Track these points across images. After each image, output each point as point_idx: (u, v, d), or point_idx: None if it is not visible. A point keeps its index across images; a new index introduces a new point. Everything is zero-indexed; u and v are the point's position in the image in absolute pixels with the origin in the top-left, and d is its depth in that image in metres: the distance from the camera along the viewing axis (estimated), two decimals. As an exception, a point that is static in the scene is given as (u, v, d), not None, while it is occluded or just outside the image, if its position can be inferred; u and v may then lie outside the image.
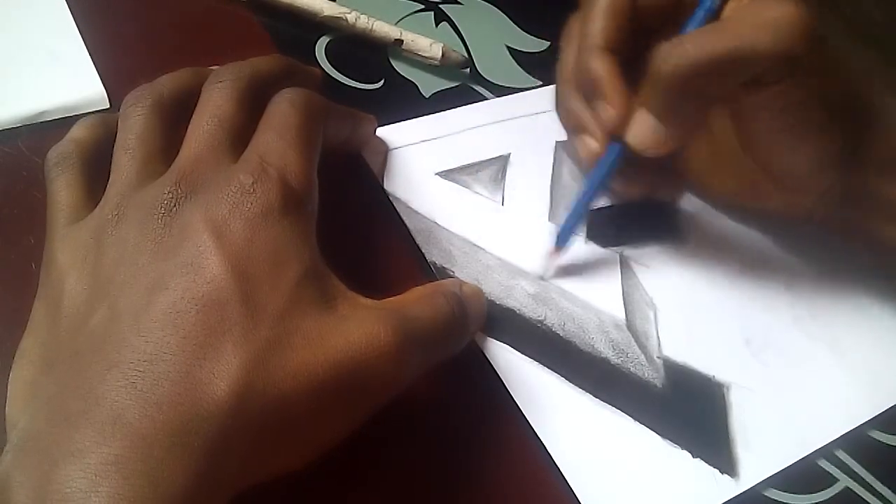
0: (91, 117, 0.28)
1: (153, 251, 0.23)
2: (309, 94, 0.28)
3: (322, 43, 0.39)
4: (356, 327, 0.23)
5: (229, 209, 0.23)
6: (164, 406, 0.20)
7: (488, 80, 0.39)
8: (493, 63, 0.40)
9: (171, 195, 0.24)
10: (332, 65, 0.38)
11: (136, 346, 0.21)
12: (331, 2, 0.39)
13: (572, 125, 0.33)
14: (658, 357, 0.31)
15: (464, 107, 0.38)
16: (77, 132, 0.27)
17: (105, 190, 0.25)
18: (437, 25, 0.42)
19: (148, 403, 0.20)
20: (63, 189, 0.26)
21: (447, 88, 0.39)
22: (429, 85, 0.39)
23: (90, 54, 0.35)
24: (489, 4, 0.43)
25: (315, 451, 0.23)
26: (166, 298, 0.21)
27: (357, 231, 0.32)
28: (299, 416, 0.22)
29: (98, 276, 0.23)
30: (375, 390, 0.24)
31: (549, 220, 0.34)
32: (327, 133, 0.28)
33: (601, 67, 0.30)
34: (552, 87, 0.38)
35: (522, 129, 0.37)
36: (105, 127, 0.27)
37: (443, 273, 0.32)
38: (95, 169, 0.26)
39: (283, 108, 0.27)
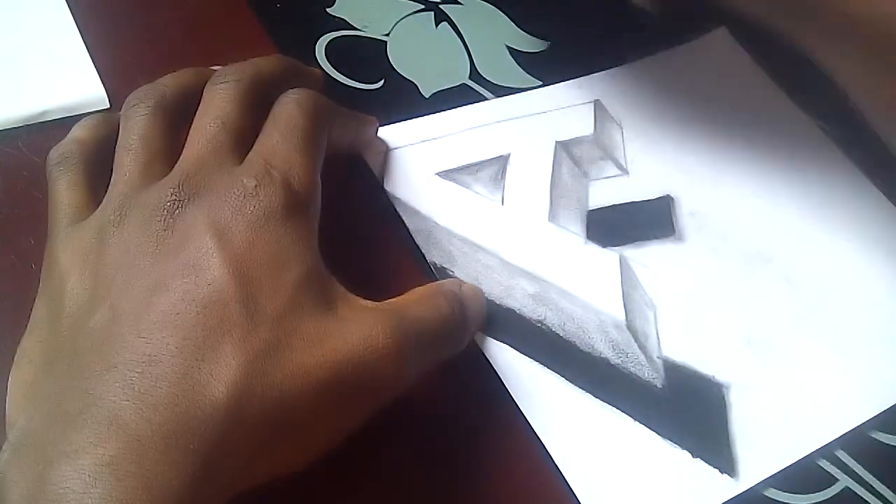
0: (92, 117, 0.28)
1: (155, 253, 0.23)
2: (315, 95, 0.28)
3: (322, 43, 0.39)
4: (355, 329, 0.23)
5: (232, 212, 0.23)
6: (161, 407, 0.20)
7: (488, 80, 0.39)
8: (493, 63, 0.40)
9: (174, 197, 0.24)
10: (331, 65, 0.38)
11: (135, 346, 0.21)
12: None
13: None
14: (658, 357, 0.31)
15: (464, 107, 0.38)
16: (78, 132, 0.27)
17: (107, 190, 0.25)
18: (437, 26, 0.42)
19: (145, 404, 0.20)
20: (65, 189, 0.26)
21: (447, 88, 0.39)
22: (429, 85, 0.39)
23: (90, 54, 0.35)
24: (489, 4, 0.43)
25: (314, 453, 0.23)
26: (167, 299, 0.21)
27: (357, 231, 0.32)
28: (298, 417, 0.22)
29: (99, 277, 0.23)
30: (375, 391, 0.24)
31: (549, 220, 0.34)
32: (331, 136, 0.28)
33: None
34: (552, 86, 0.39)
35: (522, 129, 0.37)
36: (107, 127, 0.27)
37: (443, 273, 0.32)
38: (97, 169, 0.26)
39: (290, 109, 0.27)
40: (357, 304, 0.24)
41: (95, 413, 0.19)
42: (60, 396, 0.21)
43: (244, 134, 0.26)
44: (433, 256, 0.32)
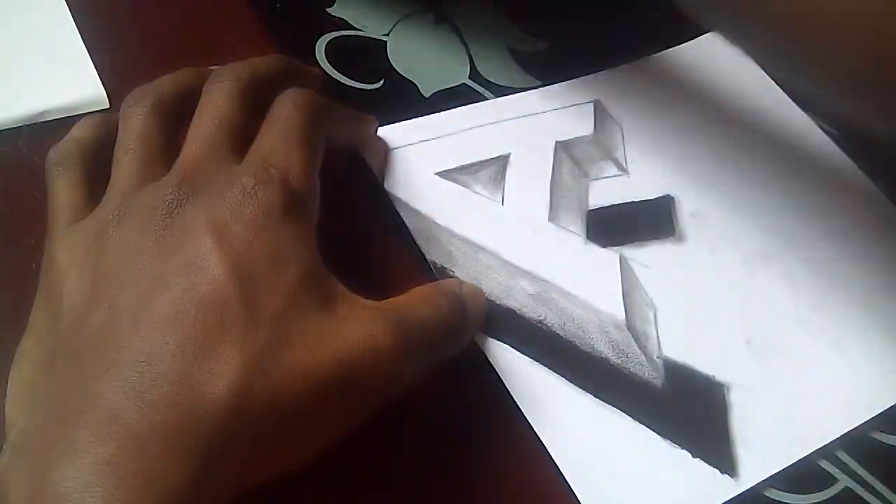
0: (92, 117, 0.28)
1: (154, 252, 0.23)
2: (312, 95, 0.28)
3: (322, 43, 0.39)
4: (355, 328, 0.23)
5: (231, 211, 0.23)
6: (160, 406, 0.20)
7: (488, 80, 0.39)
8: (493, 63, 0.40)
9: (172, 196, 0.24)
10: (331, 65, 0.38)
11: (134, 346, 0.21)
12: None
13: None
14: (658, 357, 0.31)
15: (464, 107, 0.38)
16: (78, 132, 0.27)
17: (105, 190, 0.25)
18: (437, 26, 0.42)
19: (145, 403, 0.20)
20: (64, 189, 0.26)
21: (447, 88, 0.39)
22: (429, 85, 0.38)
23: (90, 54, 0.35)
24: (489, 4, 0.43)
25: (315, 452, 0.23)
26: (166, 299, 0.21)
27: (357, 231, 0.32)
28: (298, 416, 0.22)
29: (98, 276, 0.23)
30: (375, 391, 0.24)
31: (550, 219, 0.34)
32: (329, 135, 0.28)
33: None
34: (552, 87, 0.39)
35: (522, 129, 0.37)
36: (106, 127, 0.27)
37: (443, 273, 0.32)
38: (96, 169, 0.26)
39: (287, 108, 0.27)
40: (357, 303, 0.24)
41: (95, 413, 0.19)
42: (60, 396, 0.21)
43: (242, 133, 0.26)
44: (433, 256, 0.32)
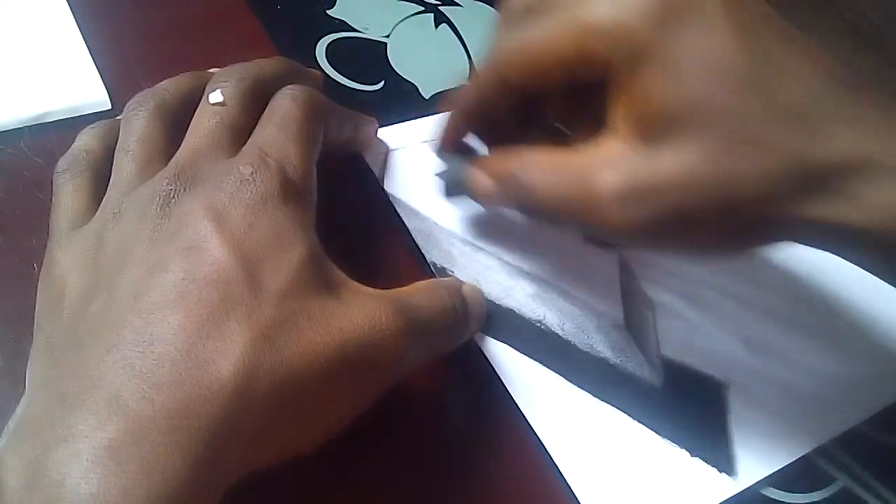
0: (100, 124, 0.28)
1: (151, 238, 0.22)
2: (311, 91, 0.28)
3: (322, 44, 0.39)
4: (359, 310, 0.23)
5: (229, 197, 0.23)
6: (163, 387, 0.19)
7: (488, 82, 0.39)
8: (493, 64, 0.40)
9: (169, 187, 0.24)
10: (332, 66, 0.38)
11: (136, 326, 0.20)
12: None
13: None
14: (657, 357, 0.31)
15: (464, 108, 0.38)
16: (87, 140, 0.27)
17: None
18: (436, 27, 0.42)
19: (147, 384, 0.19)
20: (68, 195, 0.26)
21: (447, 89, 0.39)
22: (429, 86, 0.39)
23: (92, 56, 0.35)
24: (488, 6, 0.43)
25: (320, 434, 0.23)
26: (167, 279, 0.21)
27: (357, 232, 0.33)
28: (305, 395, 0.22)
29: (98, 269, 0.23)
30: (379, 373, 0.24)
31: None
32: (329, 133, 0.29)
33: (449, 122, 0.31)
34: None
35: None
36: (114, 135, 0.27)
37: (442, 273, 0.32)
38: (103, 177, 0.26)
39: (286, 103, 0.27)
40: (359, 289, 0.24)
41: (95, 395, 0.19)
42: (59, 381, 0.20)
43: (242, 130, 0.26)
44: (433, 256, 0.32)
